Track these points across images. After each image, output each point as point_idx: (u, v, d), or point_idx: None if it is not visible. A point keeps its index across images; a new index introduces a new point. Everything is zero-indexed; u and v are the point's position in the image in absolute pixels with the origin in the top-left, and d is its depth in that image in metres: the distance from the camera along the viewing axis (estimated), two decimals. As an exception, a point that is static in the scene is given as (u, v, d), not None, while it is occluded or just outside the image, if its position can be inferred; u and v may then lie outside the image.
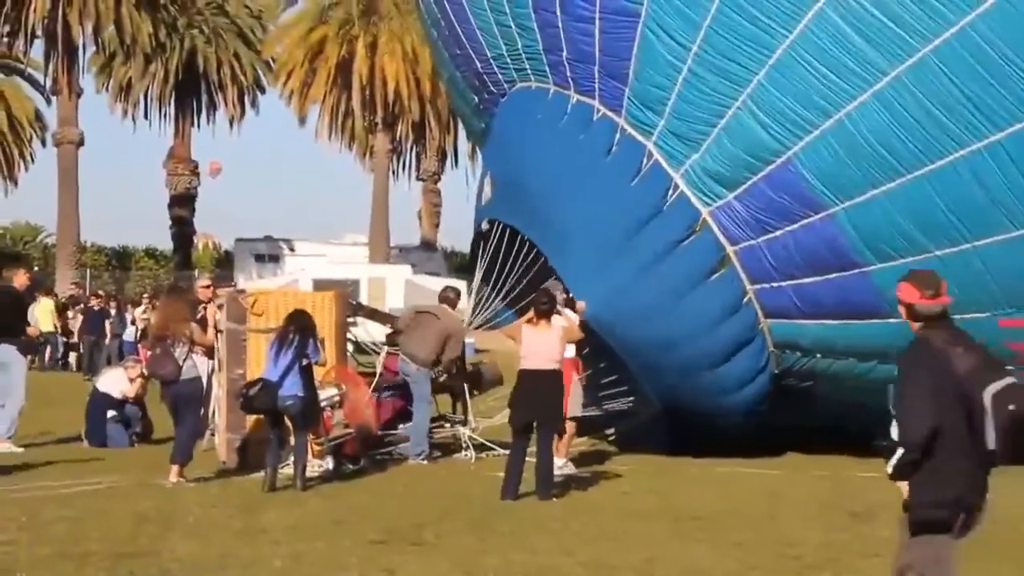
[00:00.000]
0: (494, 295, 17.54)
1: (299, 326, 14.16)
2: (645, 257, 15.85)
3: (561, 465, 15.14)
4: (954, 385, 6.42)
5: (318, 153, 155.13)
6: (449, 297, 16.95)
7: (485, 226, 18.04)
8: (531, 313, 13.66)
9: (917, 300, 6.75)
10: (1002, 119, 13.95)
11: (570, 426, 15.45)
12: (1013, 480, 7.98)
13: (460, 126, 57.35)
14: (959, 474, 6.45)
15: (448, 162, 64.33)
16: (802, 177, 15.06)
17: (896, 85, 14.33)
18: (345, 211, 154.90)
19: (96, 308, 33.63)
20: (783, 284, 15.71)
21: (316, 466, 14.95)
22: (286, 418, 14.02)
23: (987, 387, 6.36)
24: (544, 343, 13.41)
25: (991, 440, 6.35)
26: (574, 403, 15.35)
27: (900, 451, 6.55)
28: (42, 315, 32.81)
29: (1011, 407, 6.30)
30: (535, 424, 13.51)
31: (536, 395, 13.37)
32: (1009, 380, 6.41)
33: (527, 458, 13.47)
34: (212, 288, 17.52)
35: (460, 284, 23.97)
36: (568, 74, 16.90)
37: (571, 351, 15.54)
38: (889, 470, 6.65)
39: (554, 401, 13.44)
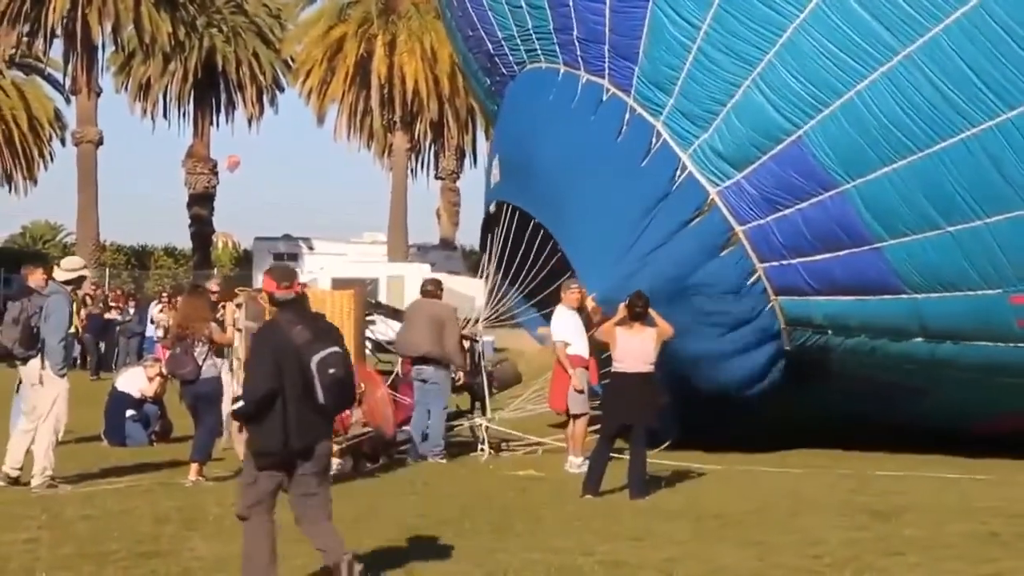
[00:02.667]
0: (508, 284, 17.52)
1: None
2: (654, 239, 15.86)
3: (579, 463, 15.13)
4: (293, 354, 8.15)
5: (337, 152, 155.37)
6: (428, 290, 16.88)
7: (493, 208, 18.03)
8: (622, 313, 13.59)
9: (275, 290, 8.55)
10: (1013, 98, 14.07)
11: (580, 423, 15.44)
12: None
13: (479, 124, 57.50)
14: (295, 424, 8.15)
15: (467, 161, 64.24)
16: (812, 155, 15.13)
17: (907, 64, 14.43)
18: (364, 210, 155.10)
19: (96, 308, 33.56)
20: (793, 261, 15.75)
21: (336, 465, 14.95)
22: None
23: (314, 355, 8.12)
24: (639, 345, 13.38)
25: (320, 396, 8.16)
26: (575, 400, 15.33)
27: (240, 402, 8.48)
28: None
29: (331, 371, 8.15)
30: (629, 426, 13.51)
31: (631, 398, 13.34)
32: (332, 349, 8.22)
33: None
34: (219, 292, 17.69)
35: (478, 283, 23.93)
36: (578, 53, 16.93)
37: (583, 349, 15.50)
38: (230, 410, 8.72)
39: (649, 402, 13.39)
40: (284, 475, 8.37)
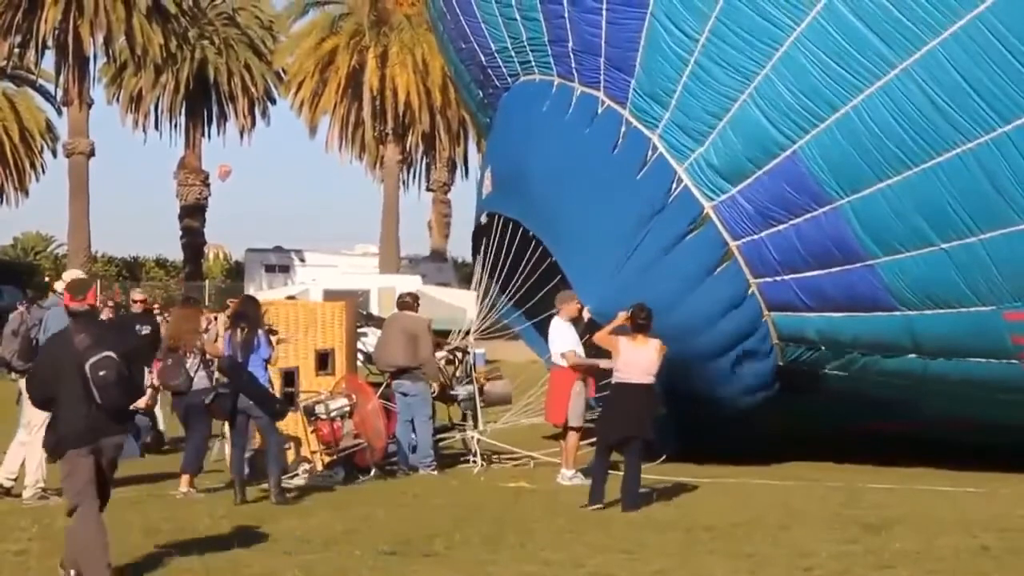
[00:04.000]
0: (500, 294, 17.51)
1: (250, 320, 14.09)
2: (649, 253, 15.86)
3: (571, 476, 15.14)
4: (73, 359, 9.05)
5: (329, 164, 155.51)
6: (407, 302, 16.94)
7: (484, 219, 18.02)
8: (621, 320, 13.62)
9: (69, 303, 9.60)
10: (1010, 111, 14.01)
11: (573, 436, 15.44)
12: None
13: (470, 136, 57.55)
14: (74, 421, 9.09)
15: (458, 172, 64.25)
16: (808, 170, 15.10)
17: (903, 78, 14.40)
18: (355, 221, 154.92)
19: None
20: (786, 277, 15.73)
21: (324, 476, 15.00)
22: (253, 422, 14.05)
23: (88, 360, 8.99)
24: (643, 357, 13.37)
25: (96, 396, 9.02)
26: (575, 413, 15.33)
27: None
28: None
29: (102, 373, 8.98)
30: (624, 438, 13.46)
31: (630, 410, 13.33)
32: (105, 354, 9.02)
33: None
34: (145, 301, 17.88)
35: (469, 294, 23.95)
36: (572, 65, 16.90)
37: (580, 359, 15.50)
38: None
39: (647, 415, 13.40)
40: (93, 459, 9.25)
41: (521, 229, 17.04)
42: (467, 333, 17.64)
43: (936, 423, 16.66)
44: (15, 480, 13.75)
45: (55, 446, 9.29)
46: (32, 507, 12.93)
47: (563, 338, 15.54)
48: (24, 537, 11.16)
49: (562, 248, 16.42)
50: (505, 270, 17.17)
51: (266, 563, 10.14)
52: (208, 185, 67.55)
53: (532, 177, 17.03)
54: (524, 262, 16.93)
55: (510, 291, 17.26)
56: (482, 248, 17.81)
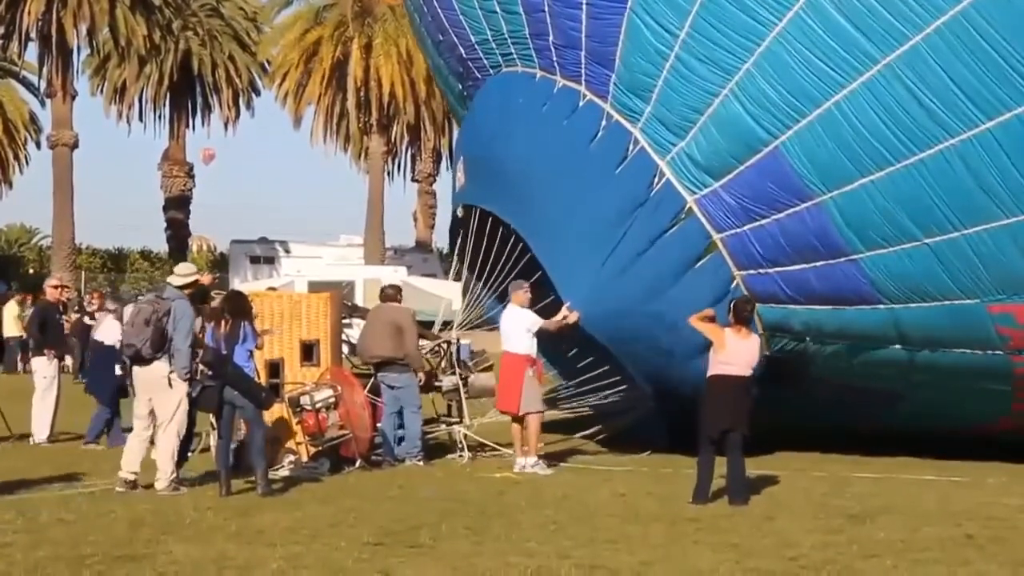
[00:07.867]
0: (482, 286, 17.47)
1: (233, 310, 14.07)
2: (632, 247, 15.83)
3: (533, 464, 15.20)
4: None
5: (313, 155, 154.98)
6: (389, 294, 16.94)
7: (461, 212, 17.97)
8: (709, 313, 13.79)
9: None
10: (993, 108, 13.98)
11: (534, 422, 15.46)
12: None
13: (455, 128, 57.53)
14: None
15: (443, 163, 64.27)
16: (790, 166, 15.07)
17: (887, 74, 14.35)
18: (340, 213, 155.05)
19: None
20: (770, 271, 15.72)
21: (310, 467, 15.00)
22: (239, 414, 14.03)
23: None
24: (747, 350, 13.41)
25: None
26: (529, 399, 15.37)
27: None
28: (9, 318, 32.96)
29: None
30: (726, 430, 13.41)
31: (731, 402, 13.30)
32: None
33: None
34: (61, 289, 17.73)
35: (455, 285, 23.94)
36: (554, 59, 16.85)
37: (530, 346, 15.54)
38: None
39: (745, 408, 13.36)
40: None
41: (500, 221, 17.00)
42: (449, 324, 17.64)
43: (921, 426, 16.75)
44: (138, 474, 13.80)
45: None
46: (17, 500, 12.89)
47: (518, 324, 15.57)
48: (9, 530, 11.13)
49: (541, 242, 16.38)
50: (485, 263, 17.13)
51: (252, 555, 10.14)
52: (193, 177, 67.53)
53: (508, 168, 16.96)
54: (505, 252, 16.89)
55: (491, 284, 17.22)
56: (460, 240, 17.77)
